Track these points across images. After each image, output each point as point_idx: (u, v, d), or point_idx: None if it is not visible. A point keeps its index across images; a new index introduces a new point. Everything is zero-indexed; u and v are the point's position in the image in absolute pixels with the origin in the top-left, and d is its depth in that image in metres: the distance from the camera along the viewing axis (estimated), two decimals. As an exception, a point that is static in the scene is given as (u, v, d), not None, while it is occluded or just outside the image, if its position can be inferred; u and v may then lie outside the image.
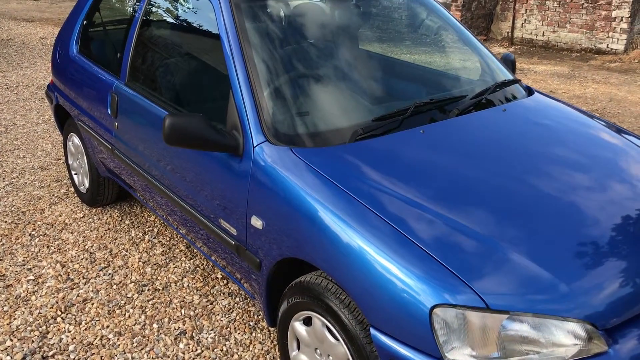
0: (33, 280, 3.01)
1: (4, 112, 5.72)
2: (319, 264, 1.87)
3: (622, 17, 8.51)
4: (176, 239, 3.40)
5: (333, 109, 2.32)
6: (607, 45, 8.78)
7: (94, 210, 3.77)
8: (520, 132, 2.39)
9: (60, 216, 3.69)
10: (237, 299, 2.86)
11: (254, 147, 2.12)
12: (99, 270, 3.09)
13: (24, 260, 3.19)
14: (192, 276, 3.04)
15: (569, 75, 7.72)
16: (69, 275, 3.06)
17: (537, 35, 9.54)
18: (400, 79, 3.04)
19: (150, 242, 3.37)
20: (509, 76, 2.82)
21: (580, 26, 8.99)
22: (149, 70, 2.98)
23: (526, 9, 9.57)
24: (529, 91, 2.77)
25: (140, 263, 3.16)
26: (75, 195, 3.95)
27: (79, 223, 3.60)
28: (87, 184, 3.70)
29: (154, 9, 3.05)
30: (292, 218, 1.96)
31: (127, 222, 3.62)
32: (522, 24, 9.68)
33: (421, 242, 1.70)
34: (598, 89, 6.97)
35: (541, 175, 2.10)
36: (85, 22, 3.62)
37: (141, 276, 3.04)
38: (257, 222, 2.09)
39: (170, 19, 3.09)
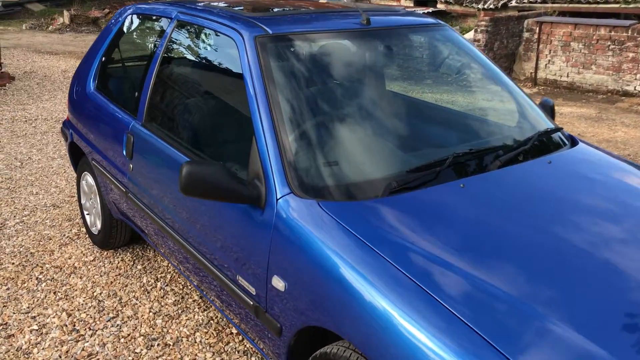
0: (37, 330, 2.82)
1: (20, 145, 5.64)
2: (347, 335, 1.66)
3: (649, 60, 8.34)
4: (189, 288, 3.20)
5: (364, 158, 2.14)
6: (635, 87, 8.57)
7: (105, 253, 3.60)
8: (569, 187, 2.18)
9: (69, 259, 3.51)
10: (253, 359, 2.64)
11: (277, 200, 1.94)
12: (107, 321, 2.89)
13: (28, 308, 3.01)
14: (205, 330, 2.83)
15: (596, 117, 7.50)
16: (74, 325, 2.86)
17: (561, 76, 9.36)
18: (433, 124, 2.86)
19: (162, 290, 3.18)
20: (550, 124, 2.62)
21: (607, 68, 8.81)
22: (168, 110, 2.84)
23: (550, 50, 9.43)
24: (572, 141, 2.57)
25: (150, 314, 2.96)
26: (87, 236, 3.79)
27: (89, 267, 3.42)
28: (99, 226, 3.54)
29: (174, 46, 2.93)
30: (318, 281, 1.75)
31: (139, 266, 3.44)
32: (546, 64, 9.53)
33: (462, 314, 1.49)
34: (628, 133, 6.73)
35: (591, 235, 1.89)
36: (104, 58, 3.51)
37: (151, 329, 2.84)
38: (278, 283, 1.89)
39: (191, 57, 2.96)
